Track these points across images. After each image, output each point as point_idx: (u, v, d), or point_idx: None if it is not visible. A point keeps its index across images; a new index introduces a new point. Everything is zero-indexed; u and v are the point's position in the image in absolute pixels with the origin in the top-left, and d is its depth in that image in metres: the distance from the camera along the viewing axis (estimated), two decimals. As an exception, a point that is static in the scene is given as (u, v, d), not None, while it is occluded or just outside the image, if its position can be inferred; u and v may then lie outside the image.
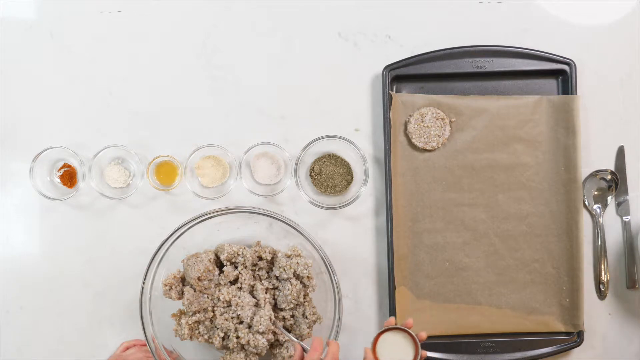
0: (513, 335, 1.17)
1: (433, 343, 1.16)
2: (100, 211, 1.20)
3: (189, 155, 1.17)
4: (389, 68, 1.18)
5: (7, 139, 1.20)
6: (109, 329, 1.19)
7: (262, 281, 1.12)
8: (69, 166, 1.19)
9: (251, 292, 1.12)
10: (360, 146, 1.16)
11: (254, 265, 1.14)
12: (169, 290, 1.12)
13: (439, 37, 1.20)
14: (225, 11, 1.22)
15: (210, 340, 1.13)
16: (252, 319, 1.08)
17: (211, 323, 1.13)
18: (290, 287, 1.10)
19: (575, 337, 1.17)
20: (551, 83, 1.20)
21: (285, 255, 1.11)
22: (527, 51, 1.18)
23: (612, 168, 1.20)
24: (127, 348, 1.17)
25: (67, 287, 1.20)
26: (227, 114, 1.21)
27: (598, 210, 1.20)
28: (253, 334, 1.10)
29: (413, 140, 1.18)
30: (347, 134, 1.18)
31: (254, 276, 1.13)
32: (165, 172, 1.19)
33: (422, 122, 1.18)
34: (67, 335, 1.19)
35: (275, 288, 1.13)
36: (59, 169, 1.19)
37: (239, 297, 1.09)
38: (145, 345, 1.16)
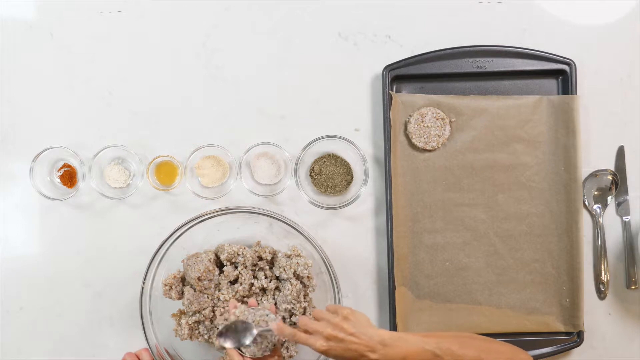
0: (513, 335, 1.17)
1: (433, 343, 1.16)
2: (100, 211, 1.20)
3: (189, 155, 1.17)
4: (389, 68, 1.18)
5: (7, 139, 1.20)
6: (109, 329, 1.19)
7: (262, 281, 1.12)
8: (69, 166, 1.19)
9: (250, 291, 1.13)
10: (360, 146, 1.16)
11: (254, 265, 1.14)
12: (169, 290, 1.12)
13: (439, 37, 1.20)
14: (225, 11, 1.22)
15: (210, 340, 1.13)
16: None
17: (211, 323, 1.12)
18: (290, 287, 1.10)
19: (575, 337, 1.17)
20: (551, 83, 1.20)
21: (285, 255, 1.11)
22: (527, 51, 1.18)
23: (612, 168, 1.20)
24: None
25: (67, 287, 1.19)
26: (227, 114, 1.21)
27: (598, 210, 1.20)
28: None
29: (413, 140, 1.18)
30: (347, 134, 1.18)
31: (254, 276, 1.13)
32: (165, 172, 1.19)
33: (422, 122, 1.18)
34: (67, 335, 1.19)
35: (276, 288, 1.13)
36: (59, 169, 1.19)
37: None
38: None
